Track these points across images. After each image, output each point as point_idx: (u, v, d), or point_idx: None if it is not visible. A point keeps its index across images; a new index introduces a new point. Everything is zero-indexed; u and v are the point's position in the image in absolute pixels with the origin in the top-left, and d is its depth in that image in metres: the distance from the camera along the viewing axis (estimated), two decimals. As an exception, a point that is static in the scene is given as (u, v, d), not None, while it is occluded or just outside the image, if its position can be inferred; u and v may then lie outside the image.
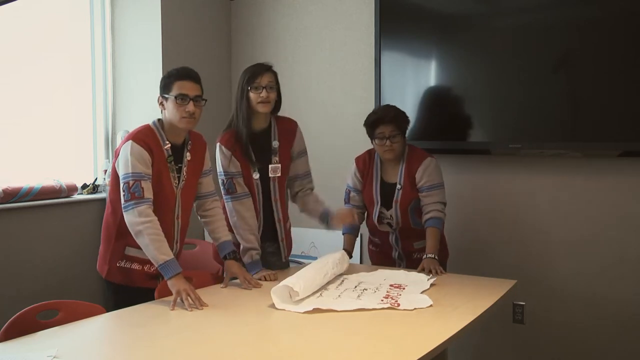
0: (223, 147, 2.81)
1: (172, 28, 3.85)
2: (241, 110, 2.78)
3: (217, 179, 2.83)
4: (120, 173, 2.46)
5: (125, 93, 3.91)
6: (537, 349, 3.43)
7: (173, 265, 2.38)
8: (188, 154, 2.61)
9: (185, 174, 2.59)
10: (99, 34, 3.87)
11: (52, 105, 3.65)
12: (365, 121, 3.03)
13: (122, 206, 2.43)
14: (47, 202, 3.38)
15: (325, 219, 2.92)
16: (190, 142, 2.62)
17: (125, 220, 2.42)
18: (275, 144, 2.87)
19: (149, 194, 2.43)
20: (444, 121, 3.56)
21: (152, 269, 2.52)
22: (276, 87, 2.81)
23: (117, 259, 2.57)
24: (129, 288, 2.56)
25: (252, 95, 2.76)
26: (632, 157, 3.10)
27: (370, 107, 3.72)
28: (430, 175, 2.97)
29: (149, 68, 3.82)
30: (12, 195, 3.21)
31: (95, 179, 3.77)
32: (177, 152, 2.58)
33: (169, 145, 2.54)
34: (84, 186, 3.67)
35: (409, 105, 3.63)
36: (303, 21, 4.05)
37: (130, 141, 2.46)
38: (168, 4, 3.81)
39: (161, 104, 2.54)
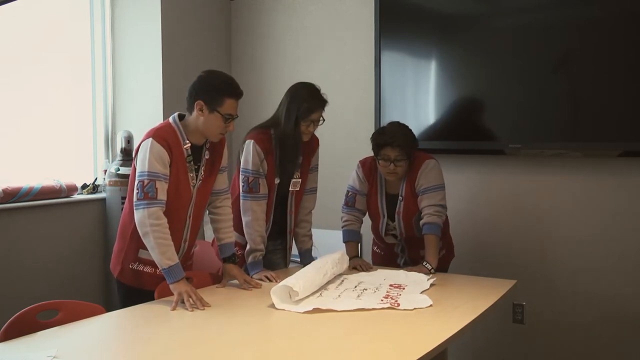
0: (258, 147, 2.79)
1: (172, 28, 3.85)
2: (294, 135, 2.78)
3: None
4: (137, 170, 2.42)
5: (125, 93, 3.91)
6: (537, 349, 3.43)
7: (177, 271, 2.38)
8: (207, 152, 2.56)
9: (202, 173, 2.55)
10: (99, 34, 3.87)
11: (52, 105, 3.65)
12: (373, 138, 2.93)
13: (134, 203, 2.40)
14: (47, 202, 3.38)
15: (302, 257, 3.01)
16: (209, 140, 2.56)
17: (135, 218, 2.41)
18: (298, 159, 2.89)
19: (162, 195, 2.39)
20: (444, 121, 3.56)
21: (159, 271, 2.49)
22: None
23: (130, 261, 2.56)
24: (139, 291, 2.53)
25: (302, 124, 2.78)
26: (632, 157, 3.09)
27: (370, 107, 3.73)
28: (427, 177, 2.90)
29: (149, 68, 3.82)
30: (12, 195, 3.22)
31: (95, 179, 3.77)
32: (197, 151, 2.53)
33: (189, 144, 2.48)
34: (84, 186, 3.68)
35: (409, 105, 3.63)
36: (303, 21, 4.05)
37: (150, 139, 2.41)
38: (168, 4, 3.81)
39: (201, 109, 2.44)
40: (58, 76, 3.69)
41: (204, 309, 2.29)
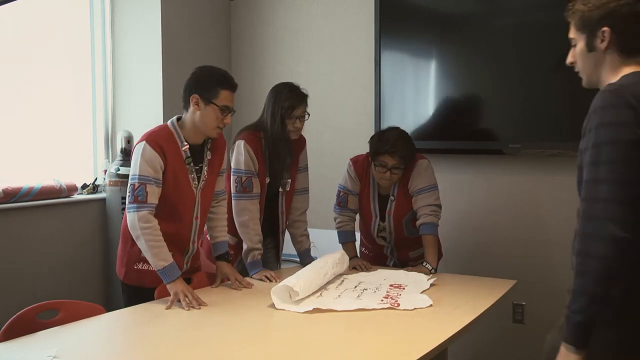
0: (249, 147, 2.80)
1: (172, 28, 3.85)
2: (282, 135, 2.80)
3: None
4: (130, 172, 2.43)
5: (125, 93, 3.91)
6: (537, 349, 3.42)
7: (172, 271, 2.39)
8: (209, 152, 2.56)
9: (206, 173, 2.55)
10: (99, 34, 3.87)
11: (52, 105, 3.65)
12: (372, 143, 2.90)
13: (126, 206, 2.42)
14: (47, 202, 3.38)
15: (302, 258, 3.02)
16: (210, 140, 2.56)
17: (127, 221, 2.42)
18: (287, 160, 2.91)
19: (152, 199, 2.39)
20: (444, 121, 3.56)
21: None
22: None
23: (135, 261, 2.55)
24: (143, 290, 2.53)
25: (287, 122, 2.79)
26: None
27: (370, 107, 3.73)
28: (420, 178, 2.89)
29: (149, 68, 3.82)
30: (12, 195, 3.21)
31: (95, 179, 3.77)
32: (197, 152, 2.52)
33: (187, 146, 2.47)
34: (84, 186, 3.67)
35: (409, 105, 3.64)
36: (303, 21, 4.05)
37: (144, 142, 2.40)
38: (168, 4, 3.81)
39: (196, 104, 2.43)
40: (58, 76, 3.69)
41: (199, 308, 2.30)
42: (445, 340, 1.98)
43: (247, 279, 2.72)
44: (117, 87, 3.93)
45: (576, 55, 1.74)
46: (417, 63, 3.65)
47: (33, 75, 3.56)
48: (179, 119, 2.51)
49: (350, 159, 3.07)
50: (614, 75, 1.64)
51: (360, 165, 3.02)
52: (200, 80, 2.45)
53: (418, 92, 3.61)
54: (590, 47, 1.68)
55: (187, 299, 2.31)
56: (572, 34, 1.76)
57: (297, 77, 4.00)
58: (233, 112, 2.48)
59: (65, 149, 3.73)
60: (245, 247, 2.83)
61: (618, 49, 1.64)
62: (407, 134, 2.93)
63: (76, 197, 3.58)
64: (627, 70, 1.63)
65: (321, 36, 3.99)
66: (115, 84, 3.93)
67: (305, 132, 3.01)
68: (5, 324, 2.01)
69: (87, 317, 2.19)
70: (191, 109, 2.45)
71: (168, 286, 2.37)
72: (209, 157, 2.56)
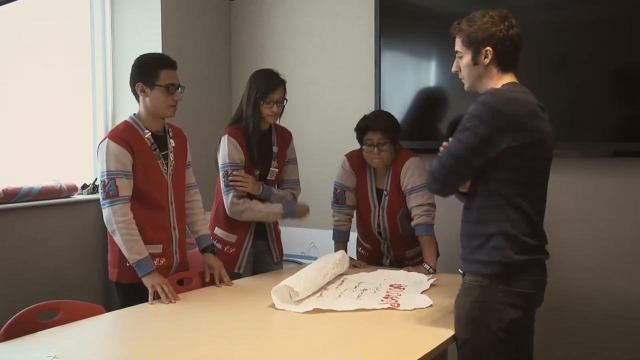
0: (233, 139, 2.83)
1: (172, 28, 3.85)
2: (253, 118, 2.83)
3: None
4: (98, 172, 2.51)
5: (125, 93, 3.89)
6: (537, 349, 3.42)
7: (146, 264, 2.44)
8: (172, 140, 2.64)
9: (172, 159, 2.62)
10: (99, 34, 3.87)
11: (52, 105, 3.65)
12: (356, 126, 2.96)
13: (101, 204, 2.48)
14: (47, 202, 3.38)
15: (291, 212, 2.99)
16: (170, 129, 2.66)
17: (103, 218, 2.47)
18: (275, 149, 2.95)
19: (124, 191, 2.45)
20: (444, 121, 3.55)
21: (162, 262, 2.56)
22: (285, 97, 2.88)
23: (126, 259, 2.55)
24: (138, 286, 2.52)
25: (263, 107, 2.82)
26: (630, 157, 3.10)
27: (370, 107, 3.73)
28: (412, 177, 2.90)
29: (149, 68, 3.82)
30: (12, 195, 3.21)
31: (95, 179, 3.76)
32: (160, 140, 2.60)
33: (150, 133, 2.56)
34: (84, 186, 3.67)
35: (409, 105, 3.63)
36: (303, 21, 4.05)
37: (107, 140, 2.49)
38: (168, 4, 3.81)
39: (143, 91, 2.53)
40: (58, 76, 3.69)
41: (175, 302, 2.35)
42: (445, 341, 1.98)
43: (247, 278, 2.73)
44: (117, 87, 3.93)
45: (461, 66, 2.08)
46: (417, 63, 3.65)
47: (33, 75, 3.56)
48: (135, 113, 2.60)
49: (345, 155, 3.10)
50: (495, 84, 2.05)
51: (355, 159, 3.04)
52: (140, 69, 2.55)
53: (418, 93, 3.60)
54: (475, 61, 2.05)
55: (164, 292, 2.36)
56: (458, 47, 2.08)
57: (297, 77, 4.01)
58: (181, 87, 2.55)
59: (65, 149, 3.73)
60: (275, 210, 2.87)
61: (497, 64, 2.06)
62: (388, 112, 3.04)
63: (76, 197, 3.58)
64: (505, 80, 2.06)
65: (321, 36, 3.99)
66: (115, 84, 3.93)
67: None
68: (5, 324, 2.01)
69: (87, 317, 2.20)
70: (141, 98, 2.55)
71: (144, 279, 2.42)
72: (173, 145, 2.64)
